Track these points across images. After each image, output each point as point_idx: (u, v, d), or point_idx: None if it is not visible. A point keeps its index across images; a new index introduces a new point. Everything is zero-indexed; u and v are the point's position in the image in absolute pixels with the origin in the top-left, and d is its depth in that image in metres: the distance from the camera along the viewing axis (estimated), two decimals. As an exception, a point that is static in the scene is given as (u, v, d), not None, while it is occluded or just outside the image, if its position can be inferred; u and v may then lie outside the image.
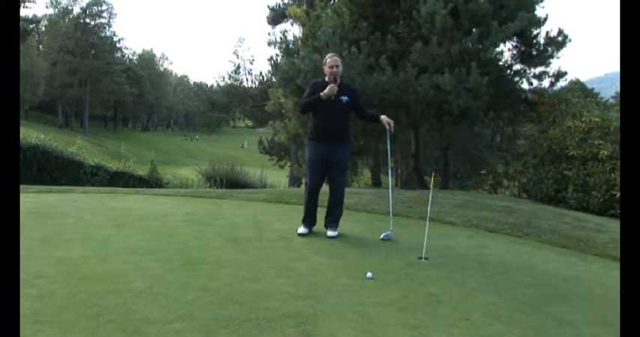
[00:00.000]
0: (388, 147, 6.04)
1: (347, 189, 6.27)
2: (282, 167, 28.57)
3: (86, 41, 69.84)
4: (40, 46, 71.29)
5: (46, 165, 13.13)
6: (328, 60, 5.57)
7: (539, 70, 11.36)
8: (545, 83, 11.53)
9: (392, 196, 6.04)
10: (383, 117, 5.62)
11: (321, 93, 5.38)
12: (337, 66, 5.50)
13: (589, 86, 51.28)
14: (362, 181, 29.94)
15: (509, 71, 11.30)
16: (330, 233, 5.51)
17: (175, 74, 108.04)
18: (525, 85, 11.62)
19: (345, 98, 5.48)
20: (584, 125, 10.10)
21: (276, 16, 30.63)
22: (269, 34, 61.76)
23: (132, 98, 76.41)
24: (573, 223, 6.91)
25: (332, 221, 5.60)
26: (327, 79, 5.54)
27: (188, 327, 3.04)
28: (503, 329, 3.34)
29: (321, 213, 5.67)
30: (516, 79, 11.45)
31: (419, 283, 4.16)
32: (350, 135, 5.76)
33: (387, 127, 5.58)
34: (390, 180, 6.42)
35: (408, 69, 10.01)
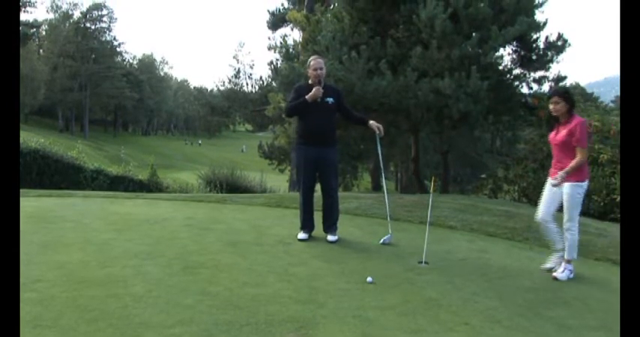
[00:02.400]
0: (379, 151, 6.04)
1: (347, 194, 6.27)
2: (282, 171, 28.49)
3: (86, 45, 69.94)
4: (41, 51, 71.40)
5: (46, 169, 13.10)
6: (312, 62, 5.52)
7: (538, 74, 11.39)
8: (545, 87, 11.55)
9: (390, 200, 6.03)
10: (372, 122, 5.58)
11: (307, 96, 5.35)
12: (321, 68, 5.45)
13: (589, 90, 51.38)
14: (362, 185, 29.94)
15: (509, 75, 11.32)
16: (330, 237, 5.51)
17: (175, 78, 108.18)
18: (525, 90, 11.66)
19: (330, 100, 5.45)
20: (584, 129, 10.10)
21: (277, 21, 30.65)
22: (269, 38, 61.84)
23: (132, 102, 76.47)
24: (573, 227, 6.89)
25: (331, 225, 5.59)
26: (310, 81, 5.51)
27: (188, 332, 3.03)
28: (503, 333, 3.33)
29: (318, 217, 5.68)
30: (516, 83, 11.47)
31: (419, 287, 4.15)
32: (336, 137, 5.73)
33: (377, 131, 5.57)
34: (385, 183, 6.44)
35: (408, 73, 10.03)
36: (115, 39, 77.19)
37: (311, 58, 5.66)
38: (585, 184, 4.64)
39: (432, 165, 23.78)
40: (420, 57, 10.12)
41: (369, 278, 4.21)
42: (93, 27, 73.69)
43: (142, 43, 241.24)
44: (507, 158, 13.77)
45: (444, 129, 11.80)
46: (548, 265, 4.86)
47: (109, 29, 75.47)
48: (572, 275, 4.63)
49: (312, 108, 5.39)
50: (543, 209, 4.82)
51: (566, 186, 4.57)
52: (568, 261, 4.67)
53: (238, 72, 37.08)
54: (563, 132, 4.59)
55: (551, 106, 4.63)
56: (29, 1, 54.66)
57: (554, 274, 4.61)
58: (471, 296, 4.02)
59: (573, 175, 4.55)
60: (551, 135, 4.77)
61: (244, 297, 3.67)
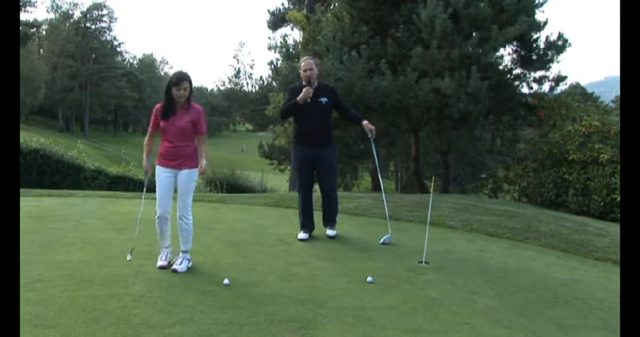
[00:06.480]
0: (374, 152, 6.09)
1: (347, 194, 6.27)
2: (282, 171, 28.48)
3: (87, 45, 69.89)
4: (41, 50, 71.36)
5: (46, 169, 13.11)
6: (302, 63, 5.56)
7: (539, 74, 11.37)
8: (545, 87, 11.55)
9: (389, 200, 6.04)
10: (365, 123, 5.58)
11: (297, 98, 5.38)
12: (311, 69, 5.46)
13: (589, 90, 51.30)
14: (362, 185, 29.91)
15: (509, 75, 11.31)
16: (329, 232, 5.56)
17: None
18: (525, 89, 11.65)
19: (324, 99, 5.46)
20: (584, 129, 10.10)
21: (277, 21, 30.63)
22: (269, 38, 61.67)
23: (132, 102, 76.46)
24: (574, 227, 6.90)
25: (330, 220, 5.67)
26: (303, 82, 5.54)
27: (188, 331, 3.04)
28: (503, 333, 3.33)
29: (318, 217, 5.68)
30: (516, 83, 11.45)
31: (419, 287, 4.15)
32: (333, 137, 5.74)
33: (369, 135, 5.59)
34: (382, 183, 6.47)
35: (408, 73, 10.02)
36: (115, 39, 77.14)
37: (302, 59, 5.70)
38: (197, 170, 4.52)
39: (432, 165, 23.76)
40: (420, 57, 10.10)
41: (369, 278, 4.21)
42: (93, 27, 73.63)
43: (142, 43, 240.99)
44: (507, 158, 13.75)
45: (444, 129, 11.79)
46: (161, 263, 4.37)
47: (109, 29, 75.41)
48: (190, 264, 4.34)
49: (306, 108, 5.42)
50: (164, 201, 4.60)
51: (185, 172, 4.48)
52: (185, 251, 4.39)
53: (238, 72, 37.10)
54: (185, 118, 4.45)
55: (180, 92, 4.31)
56: (29, 1, 54.65)
57: (174, 267, 4.24)
58: (471, 295, 4.02)
59: (192, 161, 4.51)
60: (170, 119, 4.48)
61: (244, 297, 3.67)
